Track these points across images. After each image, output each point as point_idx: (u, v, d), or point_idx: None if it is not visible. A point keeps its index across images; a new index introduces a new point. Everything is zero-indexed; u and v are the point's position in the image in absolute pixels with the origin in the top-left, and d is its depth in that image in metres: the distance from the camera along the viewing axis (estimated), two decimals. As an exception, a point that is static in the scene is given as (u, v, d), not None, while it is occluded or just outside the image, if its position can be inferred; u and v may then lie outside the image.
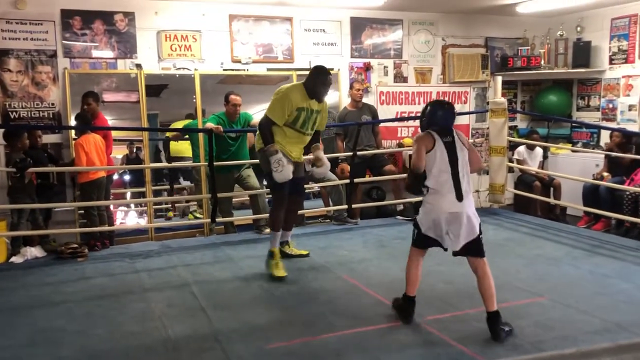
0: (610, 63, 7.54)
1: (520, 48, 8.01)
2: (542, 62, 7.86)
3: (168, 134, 7.19)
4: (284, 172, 4.28)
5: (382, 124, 7.03)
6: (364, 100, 6.89)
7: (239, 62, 6.72)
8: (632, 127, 7.16)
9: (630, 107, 7.32)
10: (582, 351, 0.68)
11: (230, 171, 5.99)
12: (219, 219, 5.93)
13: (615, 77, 7.50)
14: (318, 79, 4.48)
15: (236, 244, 5.69)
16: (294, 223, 5.05)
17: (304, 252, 5.09)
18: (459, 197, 3.27)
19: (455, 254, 3.39)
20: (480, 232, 3.32)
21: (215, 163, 5.59)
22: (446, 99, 7.90)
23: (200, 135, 6.30)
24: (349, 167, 6.37)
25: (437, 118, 3.45)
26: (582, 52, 7.71)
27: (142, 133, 6.47)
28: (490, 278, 3.29)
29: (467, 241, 3.29)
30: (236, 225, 6.36)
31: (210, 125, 5.72)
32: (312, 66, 4.78)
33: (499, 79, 7.06)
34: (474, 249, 3.32)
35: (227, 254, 5.30)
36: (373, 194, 7.22)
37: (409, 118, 7.46)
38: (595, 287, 4.11)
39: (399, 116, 7.53)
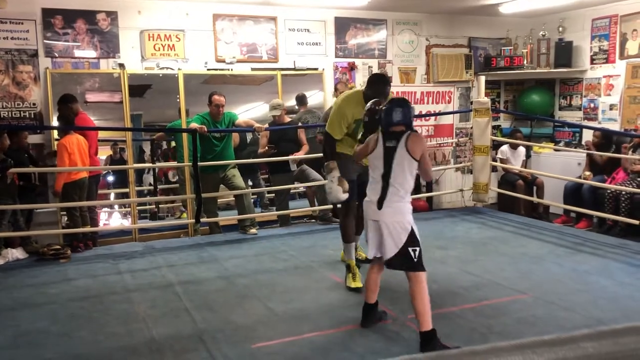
0: (592, 63, 7.64)
1: (503, 48, 8.08)
2: (525, 62, 7.94)
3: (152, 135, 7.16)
4: (332, 194, 4.01)
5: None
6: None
7: (223, 61, 6.70)
8: (613, 126, 7.26)
9: (611, 107, 7.43)
10: (562, 338, 0.70)
11: (215, 171, 5.97)
12: (203, 220, 5.91)
13: (597, 77, 7.60)
14: (376, 88, 3.99)
15: (221, 244, 5.68)
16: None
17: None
18: (379, 205, 3.15)
19: (386, 265, 3.22)
20: (410, 245, 3.09)
21: (200, 163, 5.57)
22: (430, 99, 7.96)
23: (185, 135, 6.27)
24: None
25: (382, 118, 3.28)
26: (564, 52, 7.80)
27: (125, 133, 6.43)
28: (421, 297, 3.06)
29: (392, 253, 3.10)
30: (221, 225, 6.33)
31: (194, 125, 5.70)
32: (371, 74, 4.60)
33: (483, 78, 7.13)
34: (400, 262, 3.11)
35: (211, 255, 5.28)
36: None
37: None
38: (578, 284, 4.16)
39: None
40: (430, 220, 6.52)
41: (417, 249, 3.11)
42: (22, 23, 5.88)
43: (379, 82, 4.00)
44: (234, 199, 6.26)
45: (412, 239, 3.10)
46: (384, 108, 3.30)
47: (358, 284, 4.10)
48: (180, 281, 4.47)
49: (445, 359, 0.73)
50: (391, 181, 3.16)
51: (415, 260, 3.10)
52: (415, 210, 4.92)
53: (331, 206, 6.27)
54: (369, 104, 3.58)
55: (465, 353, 0.76)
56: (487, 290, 4.06)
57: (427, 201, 7.69)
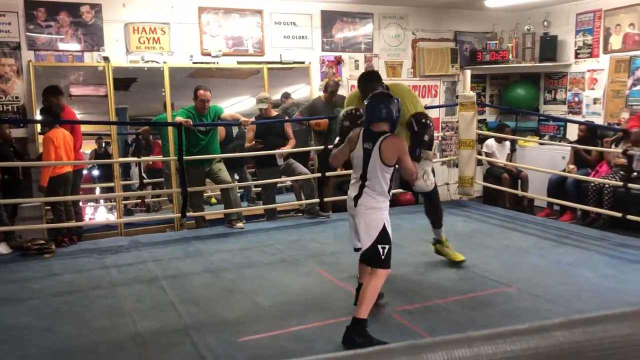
0: (576, 57, 7.70)
1: (488, 42, 8.12)
2: (510, 56, 7.99)
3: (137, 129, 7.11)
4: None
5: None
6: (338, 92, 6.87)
7: (209, 55, 6.66)
8: (597, 120, 7.33)
9: (595, 101, 7.50)
10: (534, 326, 0.71)
11: (201, 165, 5.96)
12: (189, 214, 5.90)
13: (581, 71, 7.66)
14: (370, 87, 3.75)
15: (207, 238, 5.67)
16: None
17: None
18: (355, 202, 3.25)
19: (360, 259, 3.37)
20: (381, 242, 3.16)
21: (185, 157, 5.55)
22: (416, 92, 7.98)
23: (170, 129, 6.24)
24: (327, 122, 6.35)
25: (366, 113, 3.30)
26: (549, 47, 7.86)
27: (110, 127, 6.38)
28: (373, 290, 3.15)
29: (366, 246, 3.19)
30: (208, 219, 6.32)
31: (179, 119, 5.67)
32: (360, 69, 4.50)
33: (468, 72, 7.15)
34: (368, 257, 3.22)
35: (197, 249, 5.27)
36: (345, 188, 7.21)
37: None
38: (561, 276, 4.21)
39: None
40: (417, 213, 6.53)
41: (387, 246, 3.20)
42: (4, 15, 5.80)
43: (370, 81, 3.81)
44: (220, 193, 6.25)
45: (382, 237, 3.19)
46: (365, 103, 3.33)
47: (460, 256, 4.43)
48: (166, 275, 4.46)
49: (418, 349, 0.74)
50: (367, 183, 3.23)
51: (383, 257, 3.19)
52: (402, 204, 4.94)
53: (318, 200, 6.29)
54: (344, 110, 3.59)
55: (438, 342, 0.77)
56: (472, 283, 4.10)
57: (413, 195, 7.71)
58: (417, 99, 4.04)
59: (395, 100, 3.28)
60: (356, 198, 3.25)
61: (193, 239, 5.62)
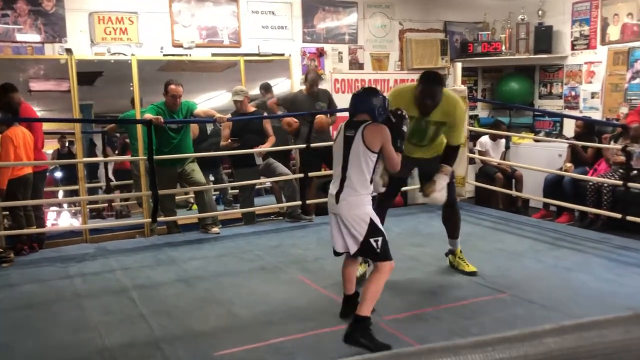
0: (572, 49, 7.81)
1: (480, 33, 8.20)
2: (503, 47, 8.07)
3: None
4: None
5: (338, 114, 7.04)
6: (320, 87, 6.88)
7: (181, 46, 6.63)
8: (594, 115, 7.44)
9: (593, 95, 7.61)
10: (524, 333, 0.72)
11: (172, 166, 5.93)
12: (160, 218, 5.87)
13: (578, 63, 7.77)
14: (423, 89, 3.92)
15: (180, 245, 5.64)
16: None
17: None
18: (336, 198, 3.28)
19: (353, 257, 3.44)
20: (372, 235, 3.22)
21: (155, 157, 5.51)
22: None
23: (139, 127, 6.20)
24: (296, 123, 6.40)
25: (350, 104, 3.44)
26: (544, 37, 7.95)
27: (74, 125, 6.31)
28: (376, 284, 3.23)
29: (354, 248, 3.26)
30: (180, 224, 6.30)
31: (149, 116, 5.63)
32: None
33: (459, 65, 7.21)
34: (364, 254, 3.36)
35: (169, 256, 5.25)
36: (329, 188, 7.24)
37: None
38: (557, 280, 4.27)
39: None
40: (405, 216, 6.59)
41: (379, 238, 3.24)
42: (-44, 4, 5.72)
43: (428, 81, 3.89)
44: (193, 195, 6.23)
45: (372, 230, 3.23)
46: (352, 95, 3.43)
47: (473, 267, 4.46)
48: (135, 285, 4.43)
49: (401, 358, 0.75)
50: (347, 174, 3.27)
51: (379, 250, 3.24)
52: (390, 206, 4.99)
53: (299, 202, 6.29)
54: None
55: (423, 351, 0.78)
56: (464, 289, 4.14)
57: (402, 196, 7.74)
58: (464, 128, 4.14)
59: (381, 97, 3.36)
60: (337, 194, 3.28)
61: (165, 246, 5.59)
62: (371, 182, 3.30)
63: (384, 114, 3.36)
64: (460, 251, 4.59)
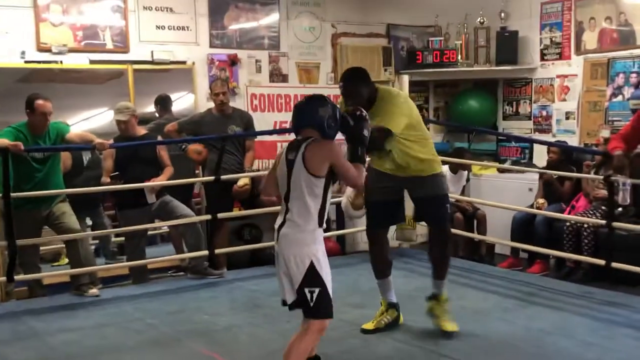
0: (542, 59, 8.11)
1: (431, 39, 8.42)
2: (459, 57, 8.30)
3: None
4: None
5: (256, 138, 7.03)
6: (233, 104, 6.85)
7: (49, 51, 6.53)
8: (570, 140, 7.69)
9: (568, 115, 7.87)
10: None
11: (36, 207, 5.73)
12: (19, 277, 5.66)
13: (549, 76, 8.07)
14: (346, 87, 4.23)
15: (46, 312, 5.44)
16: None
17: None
18: (277, 233, 3.33)
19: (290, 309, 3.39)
20: (307, 284, 3.24)
21: (13, 195, 5.32)
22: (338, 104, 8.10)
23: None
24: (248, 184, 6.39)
25: (292, 117, 3.51)
26: (508, 45, 8.21)
27: None
28: (296, 347, 3.27)
29: (291, 297, 3.29)
30: (46, 284, 6.09)
31: (4, 141, 5.43)
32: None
33: (406, 78, 7.37)
34: (296, 305, 3.32)
35: (31, 328, 5.06)
36: (245, 234, 7.20)
37: (291, 130, 7.55)
38: (531, 347, 4.33)
39: (278, 127, 7.61)
40: (343, 267, 6.57)
41: (316, 289, 3.23)
42: None
43: (343, 79, 4.14)
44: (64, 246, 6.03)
45: (311, 276, 3.23)
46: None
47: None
48: (-19, 369, 4.22)
49: None
50: (290, 205, 3.29)
51: (312, 304, 3.23)
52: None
53: (206, 252, 6.19)
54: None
55: None
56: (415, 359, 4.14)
57: (339, 241, 7.75)
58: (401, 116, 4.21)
59: (330, 105, 3.38)
60: (279, 228, 3.30)
61: (25, 314, 5.39)
62: (321, 213, 3.29)
63: (335, 126, 3.38)
64: (447, 299, 4.62)
